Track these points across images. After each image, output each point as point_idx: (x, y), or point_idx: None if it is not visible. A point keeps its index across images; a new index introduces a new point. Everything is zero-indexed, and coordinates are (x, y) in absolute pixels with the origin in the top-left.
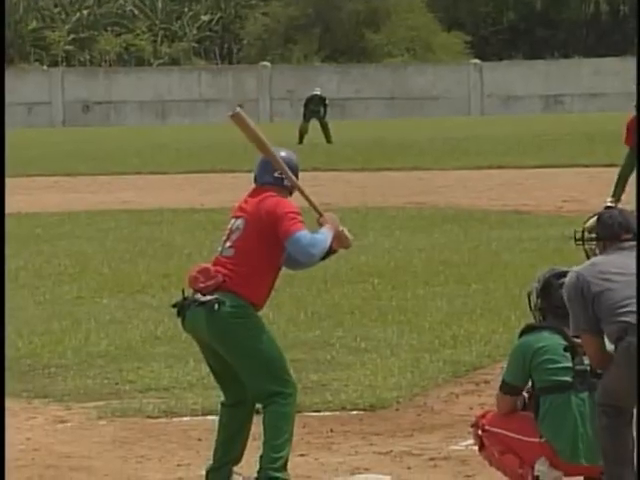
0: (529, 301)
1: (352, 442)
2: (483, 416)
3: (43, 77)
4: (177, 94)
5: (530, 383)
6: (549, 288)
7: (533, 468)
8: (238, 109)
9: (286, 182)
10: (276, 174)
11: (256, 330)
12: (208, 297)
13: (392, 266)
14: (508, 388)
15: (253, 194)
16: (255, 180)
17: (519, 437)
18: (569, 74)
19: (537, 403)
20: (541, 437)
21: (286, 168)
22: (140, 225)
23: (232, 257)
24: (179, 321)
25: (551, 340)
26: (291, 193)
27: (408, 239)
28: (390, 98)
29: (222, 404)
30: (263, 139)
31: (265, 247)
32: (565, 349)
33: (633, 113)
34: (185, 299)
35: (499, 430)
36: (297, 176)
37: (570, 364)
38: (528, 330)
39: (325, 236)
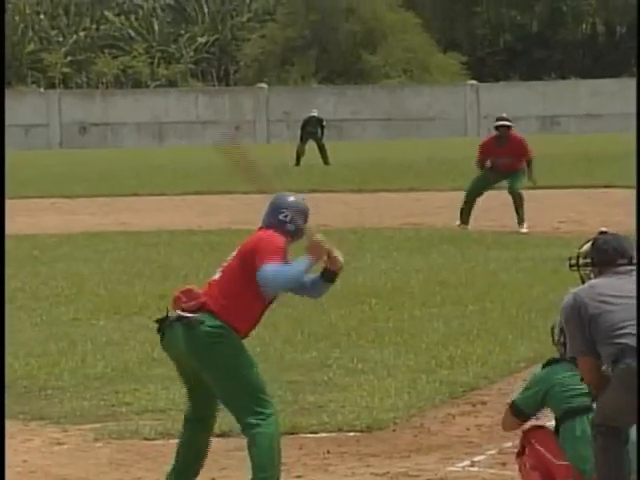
0: (552, 335)
1: (349, 463)
2: (535, 429)
3: (40, 99)
4: (174, 116)
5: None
6: None
7: None
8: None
9: (289, 226)
10: (281, 217)
11: (233, 351)
12: (187, 314)
13: (389, 287)
14: (515, 410)
15: (255, 232)
16: (263, 222)
17: (554, 460)
18: (566, 95)
19: (557, 430)
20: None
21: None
22: (137, 247)
23: (218, 280)
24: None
25: (568, 372)
26: (292, 239)
27: (405, 260)
28: (387, 119)
29: (185, 418)
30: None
31: (247, 276)
32: (582, 378)
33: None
34: (167, 317)
35: (541, 448)
36: (306, 220)
37: (586, 389)
38: (550, 363)
39: (296, 266)
